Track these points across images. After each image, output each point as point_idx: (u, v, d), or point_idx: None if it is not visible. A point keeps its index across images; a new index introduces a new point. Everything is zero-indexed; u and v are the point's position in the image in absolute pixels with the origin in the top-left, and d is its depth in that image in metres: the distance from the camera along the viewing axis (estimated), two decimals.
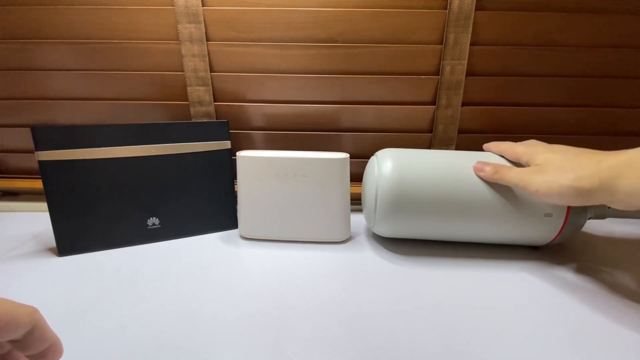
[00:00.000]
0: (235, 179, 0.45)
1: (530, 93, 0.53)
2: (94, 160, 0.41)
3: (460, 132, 0.55)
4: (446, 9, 0.49)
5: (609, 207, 0.40)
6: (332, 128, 0.56)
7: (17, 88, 0.54)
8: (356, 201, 0.49)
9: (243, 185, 0.44)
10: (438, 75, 0.52)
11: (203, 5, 0.49)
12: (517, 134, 0.55)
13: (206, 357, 0.27)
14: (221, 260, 0.41)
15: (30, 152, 0.50)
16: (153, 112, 0.54)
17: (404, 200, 0.39)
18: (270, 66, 0.52)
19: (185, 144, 0.45)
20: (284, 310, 0.33)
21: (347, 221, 0.45)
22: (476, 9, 0.49)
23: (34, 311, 0.20)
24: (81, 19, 0.50)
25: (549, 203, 0.36)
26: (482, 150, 0.44)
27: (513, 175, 0.36)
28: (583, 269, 0.39)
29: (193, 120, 0.54)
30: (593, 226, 0.50)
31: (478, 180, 0.39)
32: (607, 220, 0.46)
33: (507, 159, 0.40)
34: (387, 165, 0.40)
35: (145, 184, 0.44)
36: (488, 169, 0.38)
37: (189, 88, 0.53)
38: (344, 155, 0.43)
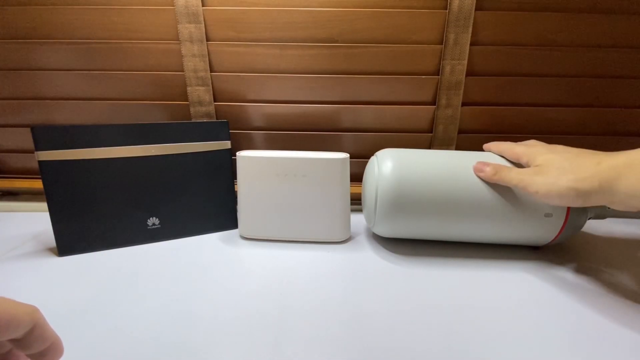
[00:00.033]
0: (235, 179, 0.45)
1: (530, 93, 0.53)
2: (94, 160, 0.41)
3: (460, 132, 0.55)
4: (446, 9, 0.49)
5: (609, 208, 0.40)
6: (332, 128, 0.56)
7: (17, 88, 0.54)
8: (356, 201, 0.49)
9: (243, 185, 0.44)
10: (438, 75, 0.52)
11: (203, 5, 0.49)
12: (517, 134, 0.55)
13: (206, 357, 0.27)
14: (221, 260, 0.41)
15: (30, 152, 0.50)
16: (153, 112, 0.54)
17: (404, 200, 0.39)
18: (270, 66, 0.52)
19: (185, 144, 0.45)
20: (284, 310, 0.33)
21: (347, 221, 0.45)
22: (476, 9, 0.49)
23: (34, 310, 0.20)
24: (81, 19, 0.50)
25: (549, 204, 0.36)
26: (482, 150, 0.44)
27: (513, 176, 0.36)
28: (583, 269, 0.39)
29: (193, 120, 0.54)
30: (593, 226, 0.50)
31: (478, 180, 0.39)
32: (607, 220, 0.46)
33: (507, 159, 0.40)
34: (387, 165, 0.40)
35: (145, 184, 0.44)
36: (488, 169, 0.38)
37: (189, 88, 0.53)
38: (344, 155, 0.43)
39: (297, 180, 0.43)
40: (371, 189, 0.41)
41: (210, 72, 0.52)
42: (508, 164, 0.39)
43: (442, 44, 0.51)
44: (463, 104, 0.53)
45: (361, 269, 0.40)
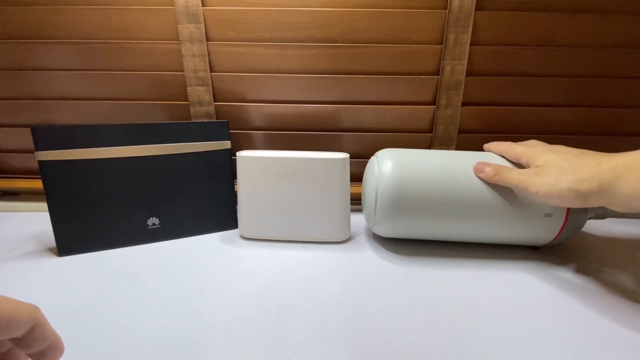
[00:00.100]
0: (235, 179, 0.45)
1: (530, 93, 0.53)
2: (94, 160, 0.41)
3: (460, 132, 0.55)
4: (446, 9, 0.49)
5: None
6: (332, 128, 0.56)
7: (17, 88, 0.54)
8: (356, 201, 0.49)
9: (243, 185, 0.44)
10: (438, 75, 0.52)
11: (203, 5, 0.49)
12: (517, 134, 0.55)
13: (206, 357, 0.27)
14: (221, 260, 0.41)
15: (30, 152, 0.50)
16: (153, 112, 0.54)
17: (404, 200, 0.39)
18: (270, 66, 0.52)
19: (185, 144, 0.45)
20: (284, 310, 0.33)
21: (347, 221, 0.45)
22: (476, 9, 0.49)
23: (35, 309, 0.20)
24: (81, 19, 0.50)
25: (549, 204, 0.36)
26: (482, 150, 0.44)
27: (514, 177, 0.36)
28: (583, 269, 0.39)
29: (193, 120, 0.54)
30: (593, 226, 0.50)
31: (478, 180, 0.39)
32: (607, 220, 0.46)
33: (507, 160, 0.40)
34: (387, 165, 0.40)
35: (145, 184, 0.44)
36: (488, 169, 0.38)
37: (189, 88, 0.53)
38: (344, 155, 0.43)
39: (297, 180, 0.43)
40: (371, 189, 0.41)
41: (210, 72, 0.52)
42: (508, 164, 0.39)
43: (442, 44, 0.51)
44: (463, 104, 0.53)
45: (361, 269, 0.40)
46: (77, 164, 0.41)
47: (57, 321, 0.24)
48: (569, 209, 0.38)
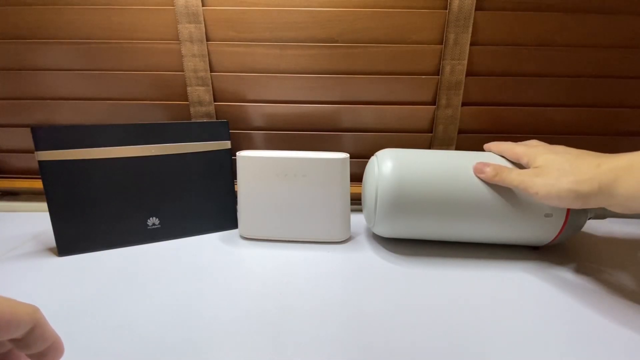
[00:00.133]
0: (235, 179, 0.45)
1: (530, 93, 0.53)
2: (94, 160, 0.41)
3: (460, 132, 0.55)
4: (446, 9, 0.49)
5: None
6: (332, 128, 0.56)
7: (17, 88, 0.54)
8: (356, 201, 0.49)
9: (243, 185, 0.44)
10: (438, 75, 0.52)
11: (203, 5, 0.49)
12: (517, 134, 0.55)
13: (206, 357, 0.27)
14: (221, 260, 0.41)
15: (30, 152, 0.50)
16: (153, 112, 0.54)
17: (404, 201, 0.39)
18: (270, 66, 0.52)
19: (185, 144, 0.45)
20: (284, 310, 0.33)
21: (347, 221, 0.45)
22: (476, 9, 0.49)
23: (35, 310, 0.20)
24: (81, 19, 0.50)
25: (548, 204, 0.36)
26: (482, 150, 0.44)
27: (514, 178, 0.36)
28: (583, 269, 0.39)
29: (193, 120, 0.54)
30: (593, 226, 0.50)
31: (478, 180, 0.39)
32: (607, 220, 0.46)
33: (507, 159, 0.40)
34: (387, 165, 0.40)
35: (145, 184, 0.44)
36: (488, 170, 0.38)
37: (189, 88, 0.53)
38: (344, 155, 0.43)
39: (297, 180, 0.43)
40: (371, 189, 0.41)
41: (210, 72, 0.52)
42: (508, 165, 0.39)
43: (442, 44, 0.51)
44: (463, 104, 0.53)
45: (361, 269, 0.40)
46: (77, 164, 0.41)
47: (57, 321, 0.24)
48: (569, 209, 0.38)
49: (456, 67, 0.51)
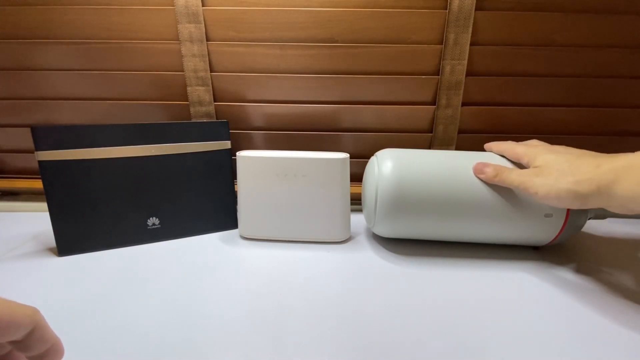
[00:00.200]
0: (235, 179, 0.45)
1: (530, 93, 0.53)
2: (94, 160, 0.41)
3: (460, 132, 0.55)
4: (446, 9, 0.49)
5: None
6: (332, 128, 0.56)
7: (17, 88, 0.54)
8: (356, 201, 0.49)
9: (243, 185, 0.44)
10: (438, 75, 0.52)
11: (203, 5, 0.49)
12: (517, 134, 0.55)
13: (206, 357, 0.27)
14: (221, 260, 0.41)
15: (30, 152, 0.50)
16: (153, 112, 0.54)
17: (404, 201, 0.39)
18: (270, 66, 0.52)
19: (185, 144, 0.45)
20: (284, 310, 0.33)
21: (347, 221, 0.45)
22: (476, 9, 0.49)
23: (34, 312, 0.20)
24: (81, 19, 0.50)
25: (548, 205, 0.36)
26: (482, 150, 0.44)
27: (514, 178, 0.36)
28: (583, 269, 0.40)
29: (193, 120, 0.54)
30: (593, 226, 0.50)
31: (478, 180, 0.39)
32: (607, 220, 0.46)
33: (507, 159, 0.40)
34: (387, 165, 0.40)
35: (145, 184, 0.44)
36: (488, 170, 0.38)
37: (189, 88, 0.53)
38: (344, 155, 0.43)
39: (297, 180, 0.43)
40: (371, 189, 0.41)
41: (210, 72, 0.52)
42: (509, 164, 0.39)
43: (442, 44, 0.51)
44: (463, 104, 0.53)
45: (361, 269, 0.40)
46: (77, 164, 0.41)
47: (57, 321, 0.24)
48: (568, 209, 0.38)
49: (456, 67, 0.51)
